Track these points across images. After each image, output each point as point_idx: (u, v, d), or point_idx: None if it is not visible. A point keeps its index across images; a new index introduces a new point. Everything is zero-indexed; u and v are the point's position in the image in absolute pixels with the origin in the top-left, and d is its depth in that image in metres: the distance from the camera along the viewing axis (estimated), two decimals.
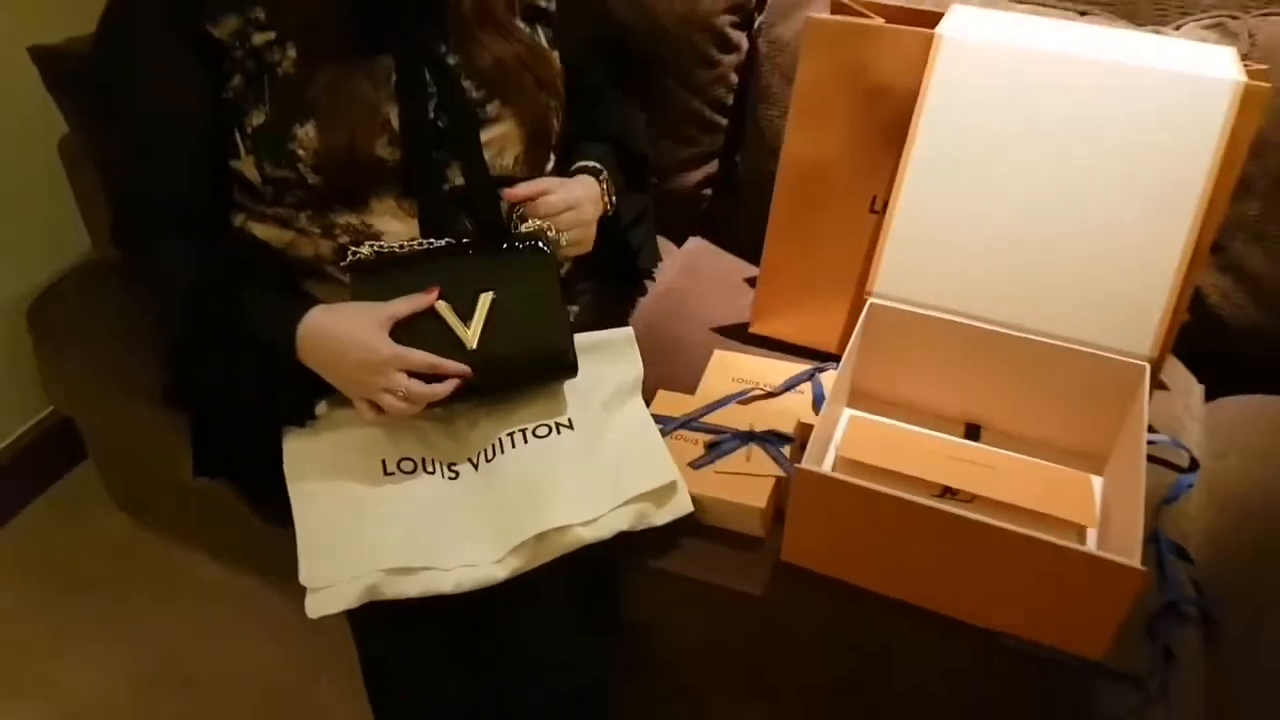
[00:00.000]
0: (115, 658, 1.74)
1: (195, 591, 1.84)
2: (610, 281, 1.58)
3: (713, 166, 1.78)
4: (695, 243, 1.82)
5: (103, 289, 1.65)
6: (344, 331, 1.21)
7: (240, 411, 1.30)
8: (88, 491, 1.96)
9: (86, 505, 1.96)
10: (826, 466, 1.28)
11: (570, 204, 1.33)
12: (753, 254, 1.73)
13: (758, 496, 1.27)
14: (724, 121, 1.74)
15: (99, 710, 1.67)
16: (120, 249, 1.32)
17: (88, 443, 1.86)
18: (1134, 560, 1.08)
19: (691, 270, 1.76)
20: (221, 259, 1.28)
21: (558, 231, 1.32)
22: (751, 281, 1.69)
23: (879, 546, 1.20)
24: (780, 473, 1.30)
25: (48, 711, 1.67)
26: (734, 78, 1.71)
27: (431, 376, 1.22)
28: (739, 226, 1.77)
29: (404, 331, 1.22)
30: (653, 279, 1.74)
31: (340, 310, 1.23)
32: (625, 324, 1.54)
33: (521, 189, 1.31)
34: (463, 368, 1.23)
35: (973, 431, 1.43)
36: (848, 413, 1.43)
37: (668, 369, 1.51)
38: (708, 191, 1.80)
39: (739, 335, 1.60)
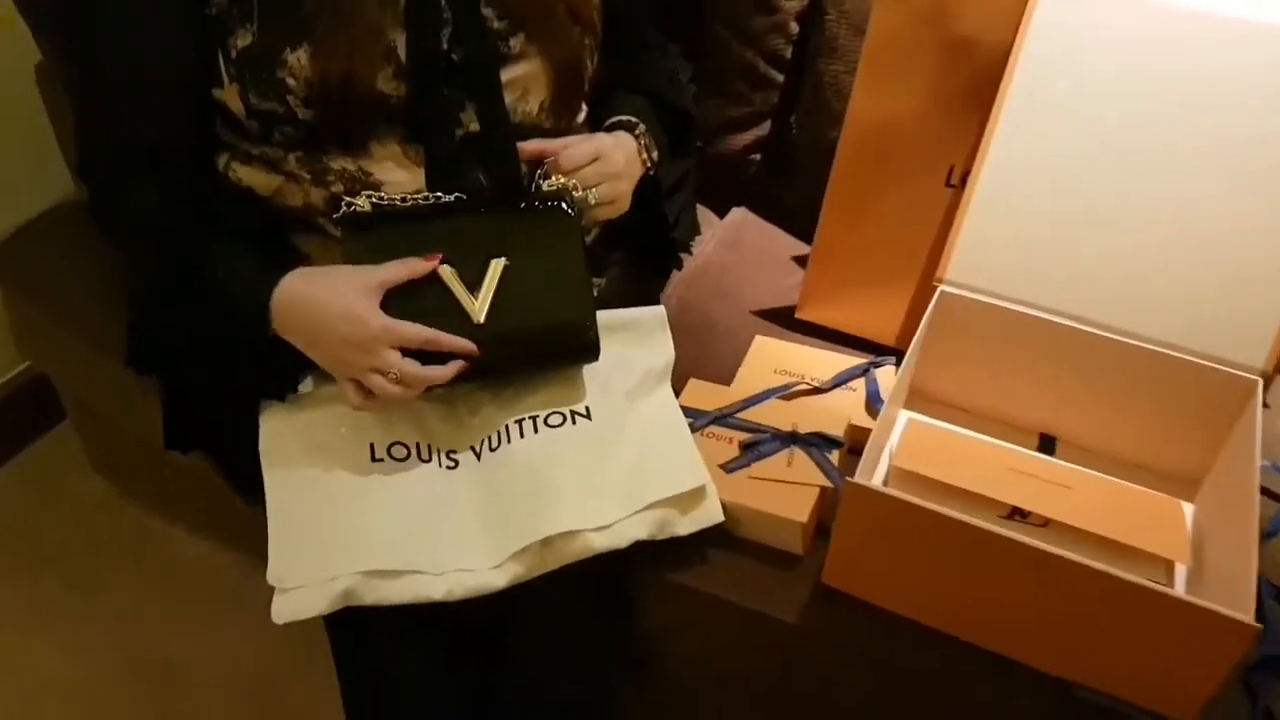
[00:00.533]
0: (88, 635, 1.62)
1: (176, 566, 1.72)
2: (641, 253, 1.40)
3: (763, 128, 1.59)
4: (738, 214, 1.65)
5: (82, 233, 1.48)
6: (326, 299, 1.04)
7: (213, 381, 1.14)
8: (66, 454, 1.83)
9: (64, 468, 1.83)
10: (879, 478, 1.10)
11: (596, 153, 1.16)
12: (803, 229, 1.56)
13: (799, 509, 1.10)
14: (780, 77, 1.55)
15: (70, 690, 1.56)
16: (86, 187, 1.16)
17: (64, 402, 1.72)
18: (1246, 613, 0.91)
19: (733, 244, 1.58)
20: (195, 205, 1.12)
21: (584, 190, 1.15)
22: (801, 260, 1.51)
23: (937, 575, 1.03)
24: (826, 482, 1.12)
25: (15, 688, 1.55)
26: (794, 27, 1.52)
27: (431, 355, 1.06)
28: (789, 197, 1.60)
29: (399, 300, 1.06)
30: (689, 252, 1.56)
31: (323, 274, 1.07)
32: (656, 301, 1.38)
33: (533, 145, 1.15)
34: (467, 345, 1.07)
35: (1047, 444, 1.26)
36: (904, 415, 1.25)
37: (701, 355, 1.34)
38: (756, 157, 1.62)
39: (783, 320, 1.42)
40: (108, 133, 1.12)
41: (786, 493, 1.12)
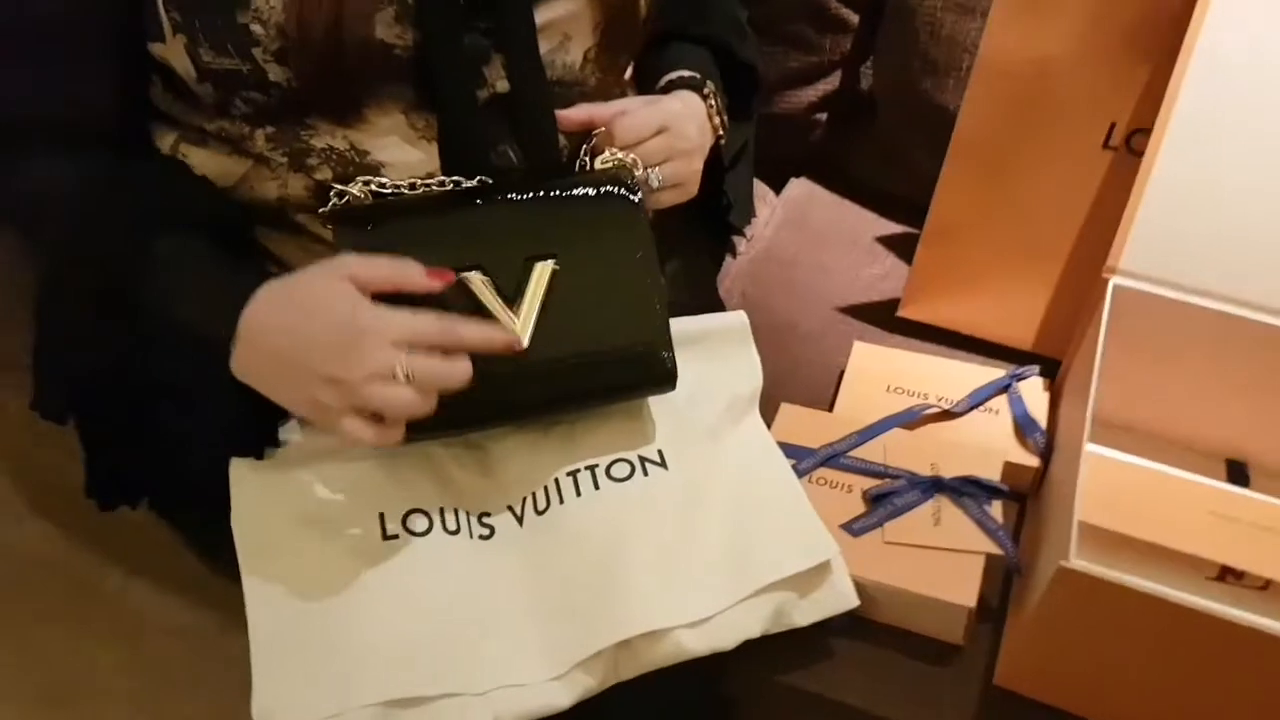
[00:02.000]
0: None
1: (136, 633, 1.41)
2: (698, 241, 1.13)
3: (832, 81, 1.31)
4: (800, 186, 1.37)
5: None
6: (296, 307, 0.74)
7: (157, 436, 0.85)
8: None
9: None
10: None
11: (663, 123, 0.88)
12: (882, 203, 1.29)
13: (963, 589, 0.83)
14: (855, 18, 1.27)
15: None
16: None
17: None
18: None
19: (798, 224, 1.30)
20: (125, 186, 0.82)
21: (645, 168, 0.87)
22: (888, 241, 1.25)
23: (1164, 676, 0.77)
24: (991, 548, 0.85)
25: None
26: None
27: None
28: (862, 165, 1.33)
29: None
30: (743, 235, 1.29)
31: (288, 282, 0.76)
32: (713, 300, 1.11)
33: (578, 112, 0.87)
34: (508, 338, 0.78)
35: (1236, 471, 0.99)
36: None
37: (784, 369, 1.08)
38: (821, 116, 1.34)
39: (880, 319, 1.15)
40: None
41: (940, 564, 0.84)
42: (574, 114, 0.87)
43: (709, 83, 0.96)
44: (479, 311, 0.80)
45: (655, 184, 0.88)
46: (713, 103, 0.94)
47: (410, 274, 0.75)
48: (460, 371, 0.74)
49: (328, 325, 0.73)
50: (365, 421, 0.74)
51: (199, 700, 1.34)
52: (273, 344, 0.75)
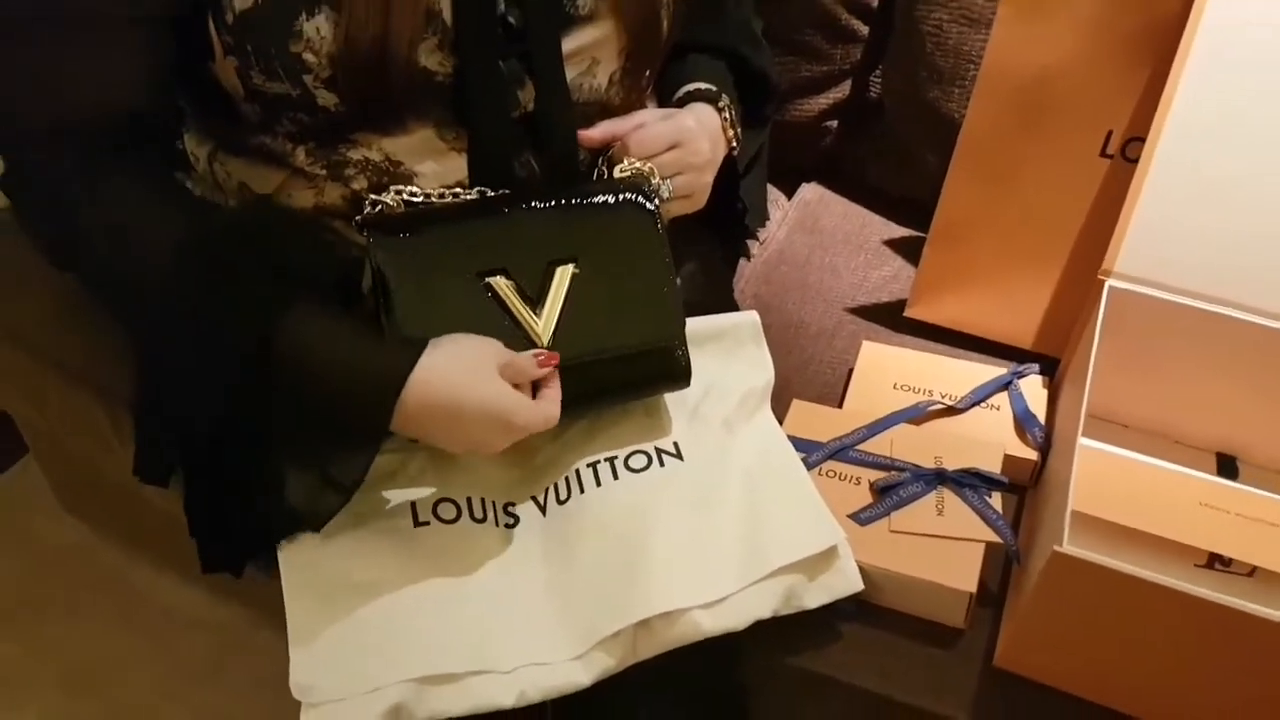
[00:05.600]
0: (56, 707, 1.38)
1: (162, 625, 1.46)
2: (713, 244, 1.17)
3: (842, 90, 1.35)
4: (811, 191, 1.41)
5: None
6: (462, 394, 0.79)
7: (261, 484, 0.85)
8: (31, 489, 1.57)
9: (29, 505, 1.57)
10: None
11: (676, 139, 0.93)
12: (889, 207, 1.33)
13: (963, 574, 0.87)
14: (864, 29, 1.31)
15: None
16: (13, 185, 0.86)
17: (25, 435, 1.46)
18: None
19: (810, 227, 1.34)
20: (234, 239, 0.83)
21: (660, 179, 0.91)
22: (895, 245, 1.29)
23: (1154, 658, 0.81)
24: (991, 536, 0.89)
25: None
26: None
27: None
28: (871, 170, 1.37)
29: (442, 321, 0.82)
30: (757, 239, 1.33)
31: (448, 360, 0.80)
32: (728, 301, 1.15)
33: (599, 131, 0.92)
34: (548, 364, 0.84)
35: (1226, 465, 1.03)
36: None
37: (794, 366, 1.13)
38: (832, 124, 1.38)
39: (887, 319, 1.19)
40: (43, 104, 0.81)
41: (943, 552, 0.89)
42: (595, 134, 0.91)
43: (724, 95, 0.99)
44: (505, 312, 0.85)
45: (666, 194, 0.92)
46: (727, 115, 0.98)
47: (531, 369, 0.83)
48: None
49: (496, 416, 0.80)
50: None
51: (222, 691, 1.39)
52: (436, 415, 0.80)
